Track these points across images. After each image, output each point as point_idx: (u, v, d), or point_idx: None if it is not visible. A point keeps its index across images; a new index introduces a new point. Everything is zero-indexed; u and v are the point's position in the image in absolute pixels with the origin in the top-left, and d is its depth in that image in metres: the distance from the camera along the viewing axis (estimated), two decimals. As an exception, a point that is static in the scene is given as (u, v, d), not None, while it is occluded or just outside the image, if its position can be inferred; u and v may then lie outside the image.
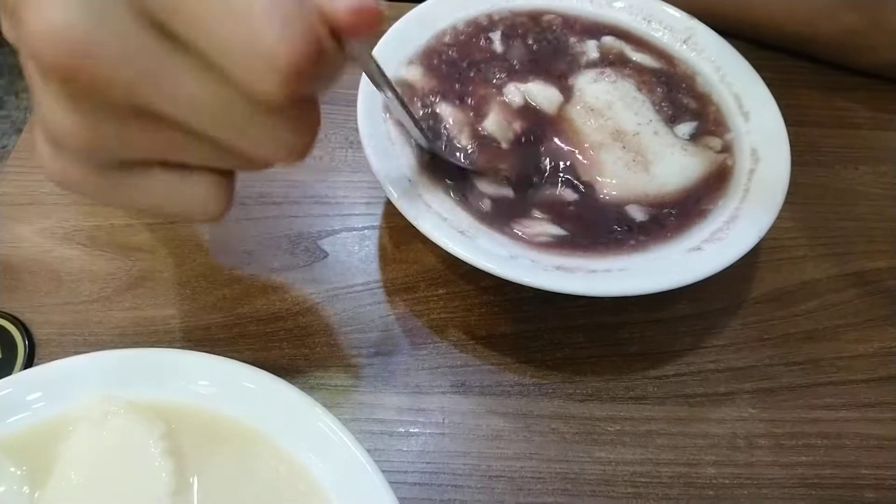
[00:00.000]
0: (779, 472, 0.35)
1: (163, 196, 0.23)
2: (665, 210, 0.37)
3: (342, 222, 0.42)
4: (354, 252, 0.41)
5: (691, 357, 0.38)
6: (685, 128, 0.40)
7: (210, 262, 0.39)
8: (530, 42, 0.43)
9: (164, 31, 0.19)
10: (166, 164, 0.22)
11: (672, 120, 0.40)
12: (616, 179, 0.37)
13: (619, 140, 0.38)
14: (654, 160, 0.38)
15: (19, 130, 1.60)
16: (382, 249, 0.41)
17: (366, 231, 0.42)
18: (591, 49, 0.43)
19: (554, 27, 0.44)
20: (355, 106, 0.38)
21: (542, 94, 0.40)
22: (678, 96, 0.42)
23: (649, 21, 0.45)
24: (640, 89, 0.41)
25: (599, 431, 0.35)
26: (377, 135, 0.37)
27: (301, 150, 0.22)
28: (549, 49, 0.43)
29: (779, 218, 0.44)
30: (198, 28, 0.18)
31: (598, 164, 0.37)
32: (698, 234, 0.35)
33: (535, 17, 0.44)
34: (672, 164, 0.38)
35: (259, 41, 0.18)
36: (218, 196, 0.23)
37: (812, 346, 0.39)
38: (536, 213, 0.36)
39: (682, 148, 0.38)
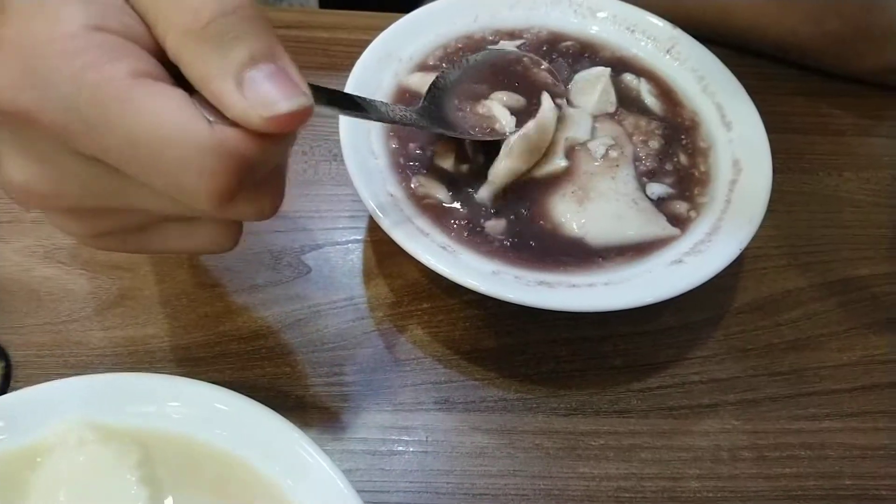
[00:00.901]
0: (763, 484, 0.35)
1: (177, 242, 0.27)
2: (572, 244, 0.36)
3: (326, 236, 0.42)
4: (338, 267, 0.40)
5: (675, 369, 0.38)
6: (657, 188, 0.39)
7: (191, 279, 0.39)
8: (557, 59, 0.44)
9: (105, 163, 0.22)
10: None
11: (649, 175, 0.39)
12: (553, 204, 0.37)
13: (573, 172, 0.38)
14: (594, 198, 0.37)
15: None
16: (366, 264, 0.41)
17: (349, 245, 0.41)
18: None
19: (571, 51, 0.44)
20: (338, 118, 0.37)
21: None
22: (671, 153, 0.40)
23: (633, 31, 0.45)
24: (631, 135, 0.40)
25: (583, 446, 0.35)
26: (359, 150, 0.37)
27: (269, 210, 0.25)
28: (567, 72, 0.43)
29: (762, 227, 0.44)
30: (127, 168, 0.22)
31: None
32: (672, 251, 0.35)
33: (552, 42, 0.45)
34: (609, 208, 0.37)
35: (181, 188, 0.21)
36: (228, 232, 0.27)
37: (795, 355, 0.39)
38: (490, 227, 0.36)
39: (632, 200, 0.37)
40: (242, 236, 0.40)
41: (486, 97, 0.40)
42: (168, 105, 0.21)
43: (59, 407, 0.27)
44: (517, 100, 0.40)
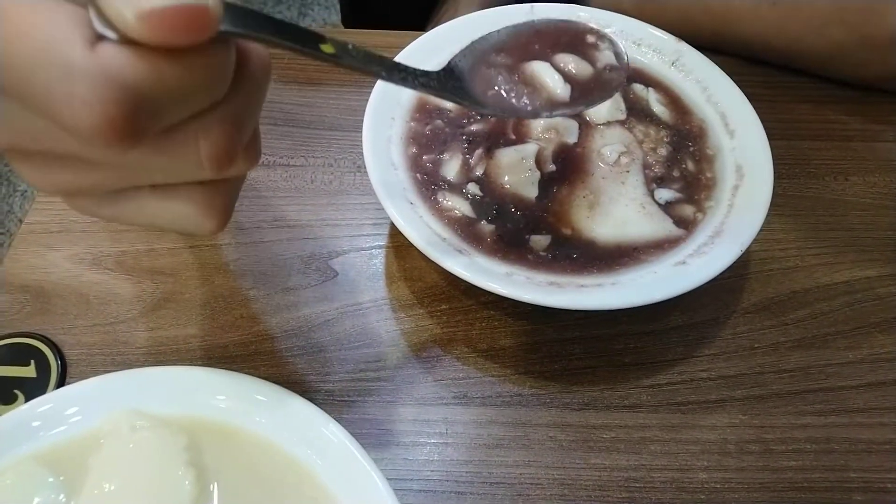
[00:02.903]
0: (769, 476, 0.36)
1: (154, 214, 0.24)
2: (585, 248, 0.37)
3: (350, 243, 0.44)
4: (363, 271, 0.43)
5: (683, 366, 0.40)
6: (665, 193, 0.40)
7: (228, 283, 0.42)
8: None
9: None
10: (154, 187, 0.24)
11: (658, 181, 0.41)
12: (567, 208, 0.39)
13: (587, 178, 0.40)
14: (605, 202, 0.39)
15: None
16: (389, 268, 0.43)
17: (373, 251, 0.44)
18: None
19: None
20: (361, 132, 0.40)
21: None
22: (679, 159, 0.42)
23: (639, 45, 0.47)
24: (641, 143, 0.42)
25: (595, 439, 0.37)
26: (381, 161, 0.39)
27: (211, 160, 0.21)
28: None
29: (769, 230, 0.45)
30: (20, 100, 0.19)
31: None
32: (677, 253, 0.37)
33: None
34: (618, 212, 0.39)
35: (64, 122, 0.18)
36: (207, 211, 0.24)
37: (802, 353, 0.41)
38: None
39: (640, 205, 0.39)
40: (274, 243, 0.44)
41: (540, 59, 0.33)
42: (41, 22, 0.18)
43: (114, 398, 0.30)
44: (584, 67, 0.34)
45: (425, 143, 0.42)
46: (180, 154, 0.21)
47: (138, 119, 0.18)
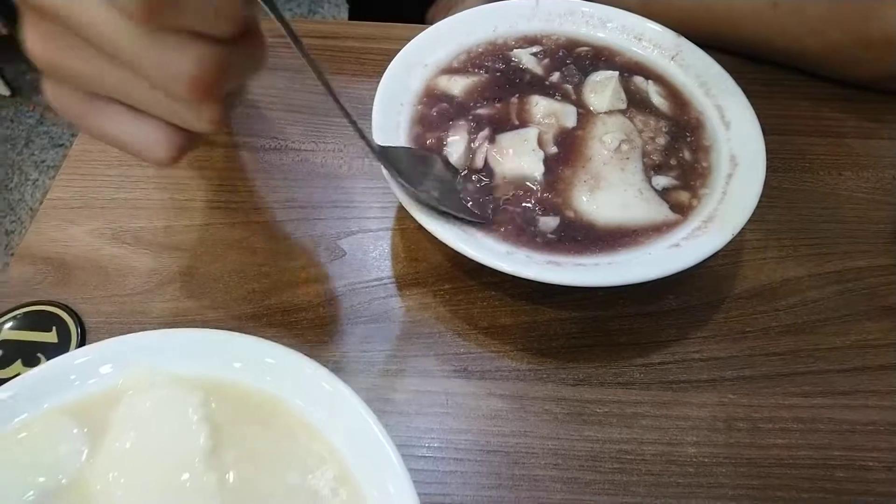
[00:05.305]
0: (756, 452, 0.38)
1: (120, 128, 0.27)
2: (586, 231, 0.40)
3: (359, 224, 0.46)
4: (369, 251, 0.45)
5: (676, 347, 0.41)
6: (662, 180, 0.42)
7: (241, 259, 0.44)
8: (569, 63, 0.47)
9: None
10: (131, 108, 0.27)
11: (656, 168, 0.43)
12: (570, 192, 0.41)
13: (588, 162, 0.41)
14: (605, 187, 0.41)
15: (57, 145, 1.68)
16: (395, 249, 0.45)
17: (380, 232, 0.46)
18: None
19: (586, 55, 0.48)
20: (370, 118, 0.42)
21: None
22: (676, 148, 0.44)
23: (640, 39, 0.48)
24: (641, 132, 0.44)
25: (589, 412, 0.38)
26: (390, 145, 0.41)
27: (191, 79, 0.24)
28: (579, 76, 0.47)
29: (765, 220, 0.47)
30: None
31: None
32: (671, 237, 0.39)
33: (568, 47, 0.49)
34: (616, 197, 0.40)
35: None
36: (164, 142, 0.27)
37: (791, 338, 0.42)
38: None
39: (638, 190, 0.41)
40: (286, 223, 0.46)
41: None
42: None
43: (133, 357, 0.32)
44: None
45: (431, 125, 0.43)
46: (174, 62, 0.24)
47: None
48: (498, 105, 0.44)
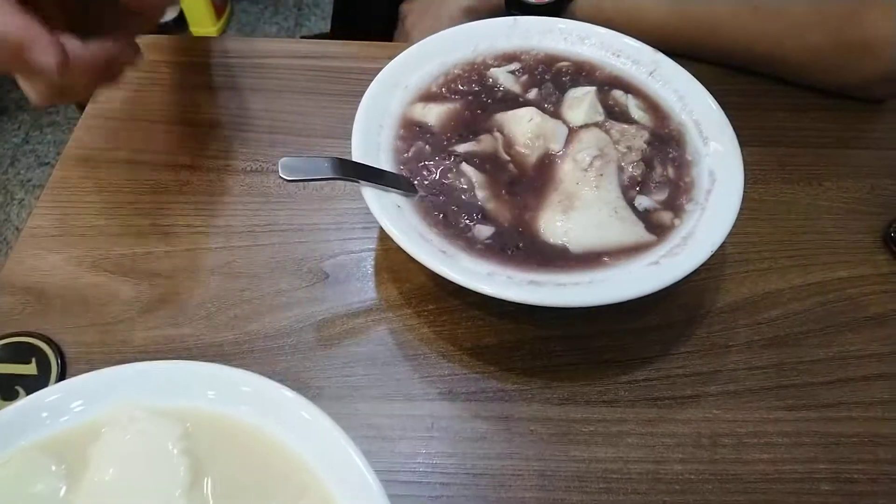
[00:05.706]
0: (741, 468, 0.38)
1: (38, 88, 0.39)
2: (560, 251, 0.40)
3: (341, 246, 0.46)
4: (353, 273, 0.45)
5: (660, 363, 0.41)
6: (644, 201, 0.42)
7: (223, 285, 0.43)
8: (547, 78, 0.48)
9: None
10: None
11: (637, 186, 0.42)
12: (541, 214, 0.41)
13: (559, 183, 0.41)
14: (578, 207, 0.40)
15: (43, 164, 1.67)
16: (378, 270, 0.45)
17: (363, 253, 0.46)
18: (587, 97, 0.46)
19: (566, 70, 0.48)
20: (351, 140, 0.42)
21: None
22: (659, 163, 0.44)
23: (618, 55, 0.49)
24: (617, 142, 0.44)
25: (574, 432, 0.38)
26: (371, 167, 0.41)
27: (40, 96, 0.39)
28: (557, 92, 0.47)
29: (745, 233, 0.47)
30: None
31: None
32: (651, 255, 0.39)
33: (548, 62, 0.49)
34: (591, 217, 0.40)
35: None
36: (43, 94, 0.39)
37: (774, 351, 0.42)
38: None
39: (613, 210, 0.40)
40: (267, 246, 0.46)
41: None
42: None
43: (112, 390, 0.31)
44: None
45: (407, 162, 0.43)
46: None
47: None
48: (482, 139, 0.44)
